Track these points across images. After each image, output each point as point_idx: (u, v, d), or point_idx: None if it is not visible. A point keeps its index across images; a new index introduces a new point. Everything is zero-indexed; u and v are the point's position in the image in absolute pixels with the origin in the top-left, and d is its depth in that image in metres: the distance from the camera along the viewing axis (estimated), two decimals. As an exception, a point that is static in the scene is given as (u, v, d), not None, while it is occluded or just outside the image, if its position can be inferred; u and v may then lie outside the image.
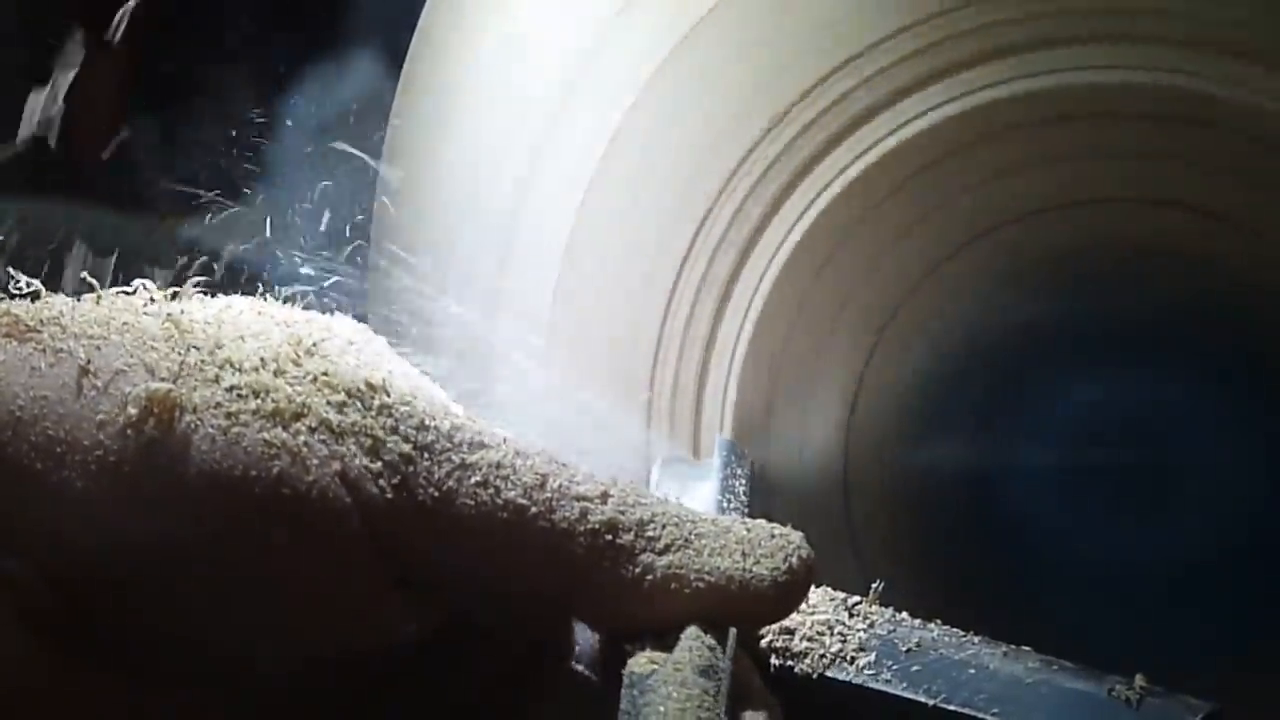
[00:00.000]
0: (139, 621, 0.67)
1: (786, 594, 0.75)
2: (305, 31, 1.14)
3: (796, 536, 0.77)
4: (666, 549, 0.73)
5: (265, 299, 0.77)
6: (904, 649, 0.80)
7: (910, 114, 0.91)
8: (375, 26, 1.16)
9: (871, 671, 0.79)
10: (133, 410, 0.66)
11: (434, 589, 0.72)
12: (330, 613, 0.70)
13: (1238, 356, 0.92)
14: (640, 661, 0.71)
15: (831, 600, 0.82)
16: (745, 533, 0.76)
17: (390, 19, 1.14)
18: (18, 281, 0.71)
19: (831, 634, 0.80)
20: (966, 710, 0.77)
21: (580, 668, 0.77)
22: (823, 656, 0.80)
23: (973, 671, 0.78)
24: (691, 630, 0.73)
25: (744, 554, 0.75)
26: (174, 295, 0.74)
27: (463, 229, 1.00)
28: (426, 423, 0.72)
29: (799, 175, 0.93)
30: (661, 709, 0.68)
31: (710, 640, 0.73)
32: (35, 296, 0.71)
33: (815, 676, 0.79)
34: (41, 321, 0.68)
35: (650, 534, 0.73)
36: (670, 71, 0.94)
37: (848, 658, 0.79)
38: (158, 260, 0.95)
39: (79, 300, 0.72)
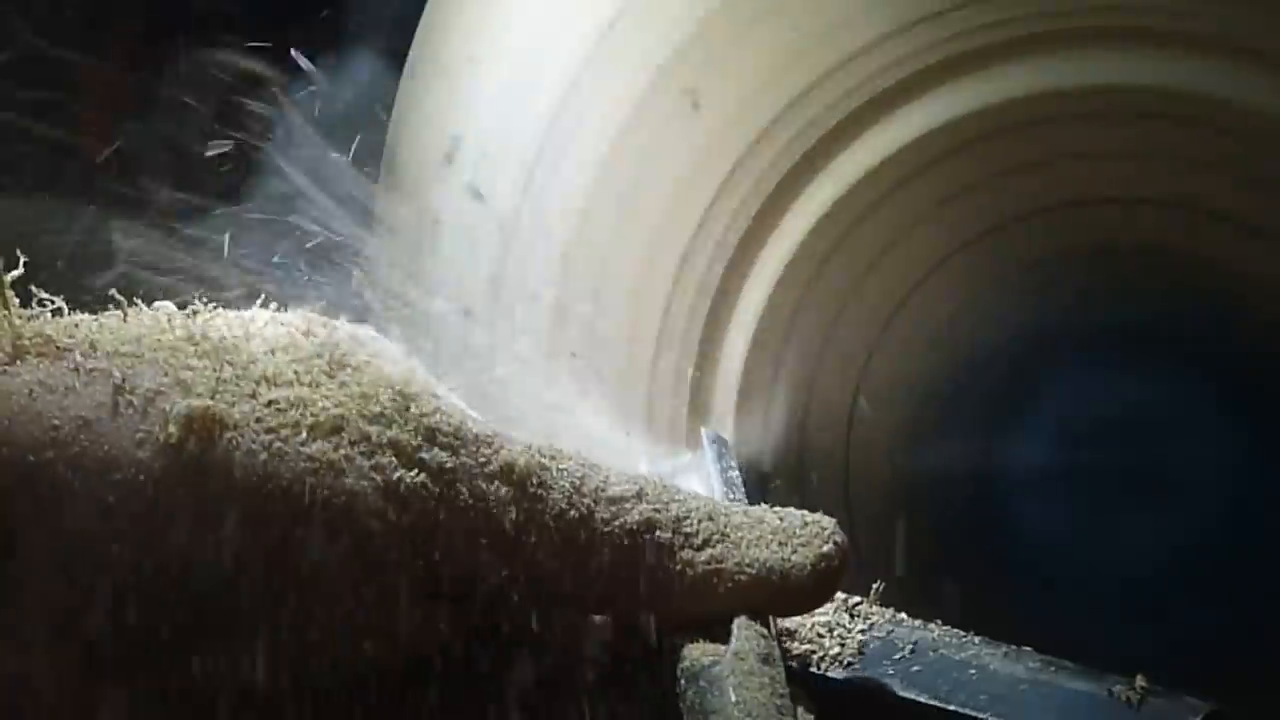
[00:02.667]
0: (177, 639, 0.66)
1: (826, 581, 0.76)
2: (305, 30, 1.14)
3: (829, 522, 0.77)
4: (705, 543, 0.74)
5: (281, 309, 0.77)
6: (904, 649, 0.80)
7: (910, 115, 0.91)
8: (376, 26, 1.16)
9: (872, 672, 0.79)
10: (173, 428, 0.66)
11: (470, 596, 0.72)
12: (370, 624, 0.69)
13: (1238, 357, 0.92)
14: (695, 653, 0.72)
15: (832, 601, 0.82)
16: (779, 522, 0.76)
17: (391, 17, 1.13)
18: (39, 299, 0.71)
19: (831, 635, 0.81)
20: (967, 710, 0.77)
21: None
22: (823, 658, 0.80)
23: (973, 672, 0.78)
24: (743, 620, 0.73)
25: (780, 544, 0.75)
26: (192, 311, 0.74)
27: (465, 228, 1.00)
28: (461, 431, 0.72)
29: (799, 176, 0.93)
30: (735, 698, 0.69)
31: (761, 629, 0.73)
32: (58, 313, 0.71)
33: (816, 678, 0.79)
34: (73, 341, 0.68)
35: (687, 530, 0.74)
36: (670, 74, 0.94)
37: (848, 659, 0.80)
38: (159, 266, 0.95)
39: (105, 317, 0.72)
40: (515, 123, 0.98)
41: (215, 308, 0.75)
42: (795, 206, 0.93)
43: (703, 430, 0.93)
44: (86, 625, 0.65)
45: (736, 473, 0.88)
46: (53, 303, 0.71)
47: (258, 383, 0.69)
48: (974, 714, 0.76)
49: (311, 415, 0.69)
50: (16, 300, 0.69)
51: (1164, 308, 0.92)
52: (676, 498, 0.75)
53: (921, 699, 0.78)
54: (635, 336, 0.96)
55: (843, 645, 0.80)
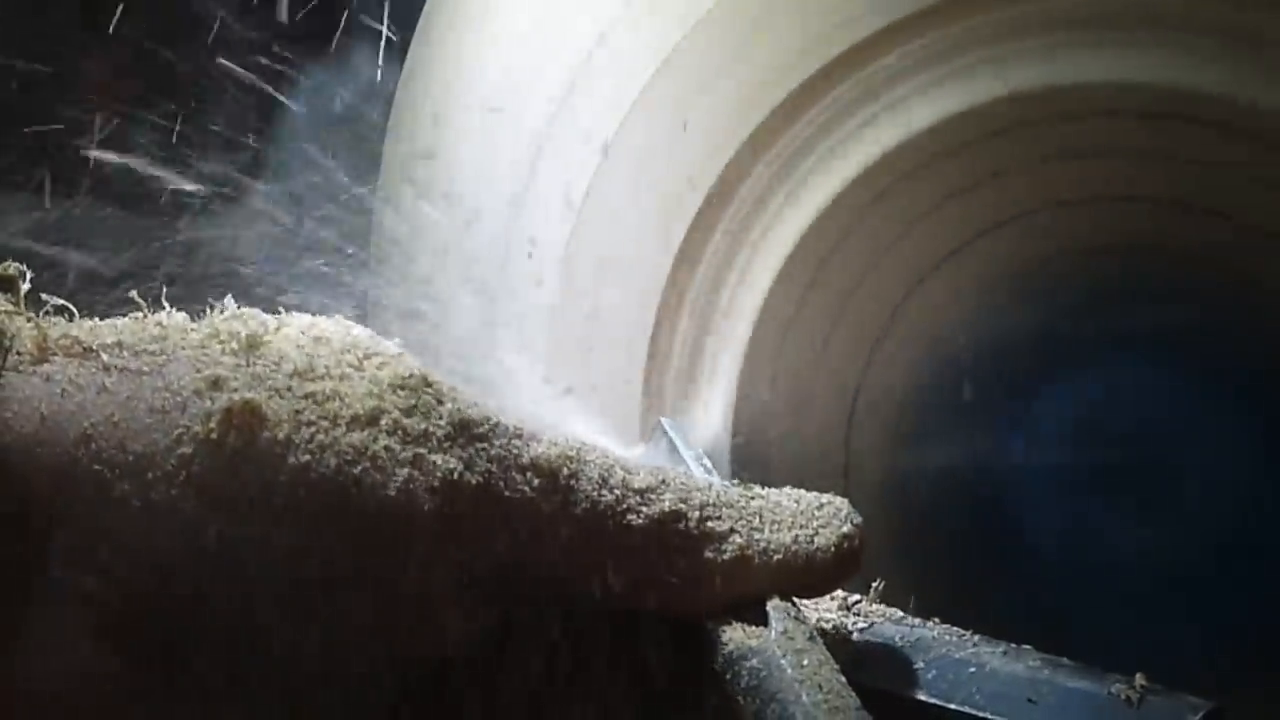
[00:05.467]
0: (219, 634, 0.67)
1: (849, 561, 0.77)
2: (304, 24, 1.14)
3: (842, 503, 0.78)
4: (730, 530, 0.75)
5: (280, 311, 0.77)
6: (903, 647, 0.80)
7: (909, 114, 0.91)
8: (375, 22, 1.16)
9: (871, 670, 0.79)
10: (213, 423, 0.66)
11: (502, 589, 0.72)
12: (407, 615, 0.70)
13: (1238, 355, 0.92)
14: (738, 636, 0.73)
15: (831, 598, 0.82)
16: (795, 505, 0.78)
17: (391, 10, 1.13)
18: (49, 307, 0.71)
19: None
20: (966, 709, 0.77)
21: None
22: (822, 655, 0.79)
23: (973, 670, 0.78)
24: (778, 602, 0.74)
25: (801, 527, 0.76)
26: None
27: (463, 224, 1.00)
28: (493, 423, 0.73)
29: (797, 176, 0.92)
30: (796, 675, 0.70)
31: (794, 610, 0.74)
32: (70, 315, 0.71)
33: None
34: (100, 341, 0.69)
35: (711, 516, 0.75)
36: (665, 75, 0.94)
37: (848, 656, 0.79)
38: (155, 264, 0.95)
39: (125, 319, 0.71)
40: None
41: (226, 311, 0.75)
42: (793, 207, 0.93)
43: (661, 420, 0.93)
44: (128, 622, 0.65)
45: (707, 459, 0.88)
46: (66, 308, 0.71)
47: (290, 377, 0.70)
48: (973, 712, 0.76)
49: (347, 408, 0.69)
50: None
51: (1167, 308, 0.92)
52: (698, 486, 0.76)
53: (921, 697, 0.77)
54: (635, 336, 0.96)
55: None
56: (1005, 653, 0.79)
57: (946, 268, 0.93)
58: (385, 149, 1.06)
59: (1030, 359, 0.94)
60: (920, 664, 0.79)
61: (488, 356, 0.96)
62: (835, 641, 0.80)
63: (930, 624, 0.82)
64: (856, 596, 0.83)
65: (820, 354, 0.94)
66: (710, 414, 0.96)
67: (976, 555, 0.96)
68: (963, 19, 0.90)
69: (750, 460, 0.95)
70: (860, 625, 0.81)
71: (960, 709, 0.77)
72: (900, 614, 0.82)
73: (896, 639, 0.80)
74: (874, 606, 0.82)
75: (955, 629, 0.81)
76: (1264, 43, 0.87)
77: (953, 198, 0.92)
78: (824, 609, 0.81)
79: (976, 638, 0.80)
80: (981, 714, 0.76)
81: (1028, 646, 0.79)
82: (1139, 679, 0.76)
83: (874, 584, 0.83)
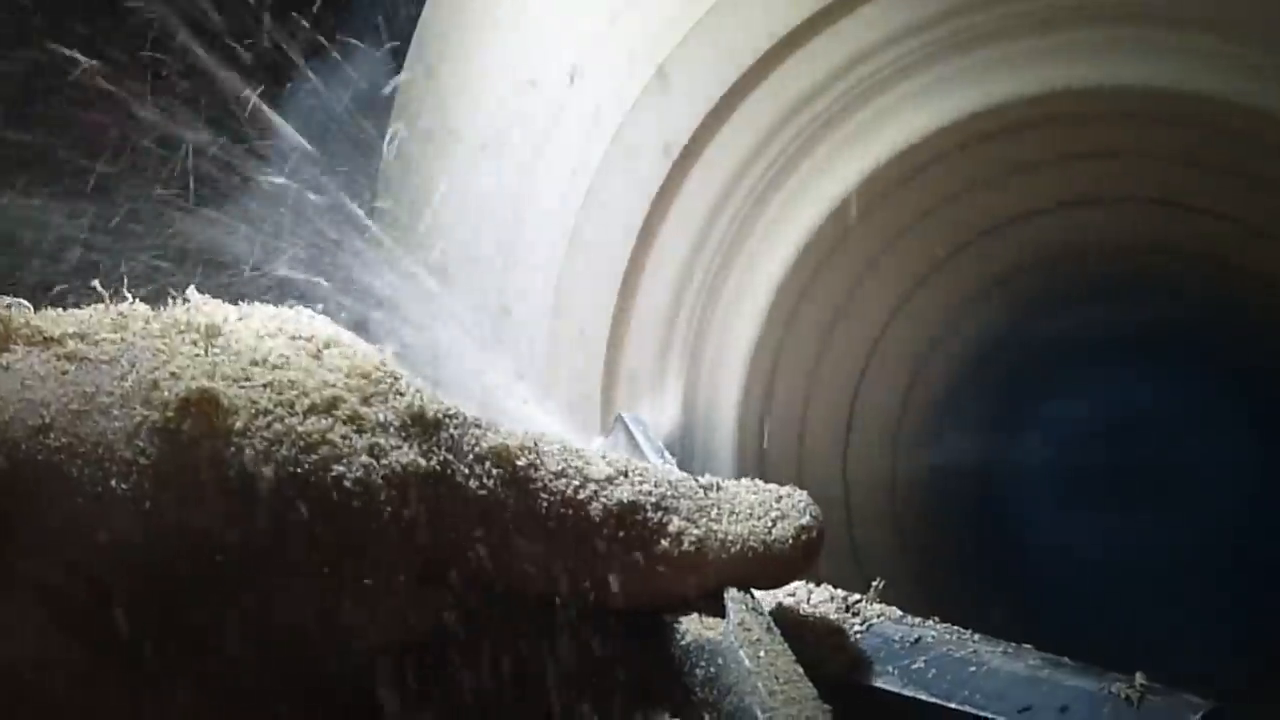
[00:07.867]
0: (178, 623, 0.67)
1: (808, 552, 0.77)
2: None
3: (801, 495, 0.78)
4: (688, 521, 0.75)
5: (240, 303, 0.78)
6: (903, 647, 0.80)
7: (910, 117, 0.91)
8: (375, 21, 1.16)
9: (871, 670, 0.79)
10: (170, 412, 0.67)
11: (458, 580, 0.72)
12: (363, 604, 0.70)
13: (1238, 356, 0.92)
14: (695, 628, 0.73)
15: (831, 598, 0.82)
16: (753, 497, 0.78)
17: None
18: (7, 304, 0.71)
19: (831, 633, 0.80)
20: (966, 708, 0.76)
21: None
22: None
23: (973, 669, 0.78)
24: (735, 594, 0.74)
25: (759, 518, 0.76)
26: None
27: (465, 223, 1.00)
28: (452, 412, 0.73)
29: (798, 179, 0.92)
30: (753, 666, 0.70)
31: (751, 601, 0.74)
32: (33, 309, 0.71)
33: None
34: (61, 330, 0.69)
35: (669, 508, 0.75)
36: (668, 75, 0.94)
37: (848, 656, 0.79)
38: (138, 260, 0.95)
39: (88, 309, 0.72)
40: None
41: (187, 302, 0.76)
42: (795, 210, 0.93)
43: (622, 415, 0.93)
44: (87, 610, 0.65)
45: (667, 451, 0.88)
46: (23, 303, 0.71)
47: (249, 366, 0.70)
48: (973, 711, 0.76)
49: (305, 397, 0.70)
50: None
51: (1164, 308, 0.92)
52: (656, 478, 0.76)
53: (921, 696, 0.77)
54: (637, 342, 0.96)
55: (842, 643, 0.80)
56: (1005, 652, 0.79)
57: (945, 271, 0.93)
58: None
59: (1030, 361, 0.94)
60: (920, 663, 0.79)
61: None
62: (835, 641, 0.80)
63: (930, 623, 0.81)
64: (857, 596, 0.83)
65: (821, 354, 0.94)
66: (716, 418, 0.96)
67: (975, 555, 0.96)
68: (957, 25, 0.90)
69: (750, 463, 0.95)
70: (860, 625, 0.81)
71: (960, 708, 0.76)
72: (900, 613, 0.82)
73: (896, 638, 0.80)
74: (874, 606, 0.82)
75: (955, 628, 0.81)
76: (1265, 45, 0.87)
77: (951, 202, 0.92)
78: (824, 608, 0.81)
79: (976, 637, 0.80)
80: (981, 713, 0.76)
81: (1028, 646, 0.79)
82: (1139, 678, 0.76)
83: (874, 583, 0.83)
